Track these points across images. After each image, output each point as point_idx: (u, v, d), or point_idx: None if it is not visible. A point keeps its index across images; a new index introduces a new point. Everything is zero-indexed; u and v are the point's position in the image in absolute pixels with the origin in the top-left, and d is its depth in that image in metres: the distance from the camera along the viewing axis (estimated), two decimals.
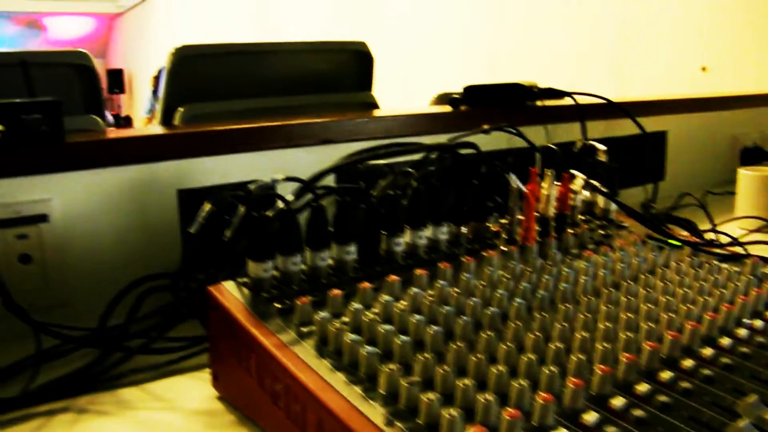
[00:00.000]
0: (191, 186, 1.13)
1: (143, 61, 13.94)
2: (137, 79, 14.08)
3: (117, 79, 14.95)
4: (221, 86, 1.50)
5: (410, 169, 0.91)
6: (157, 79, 8.62)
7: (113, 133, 1.18)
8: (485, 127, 1.07)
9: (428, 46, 5.42)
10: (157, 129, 1.24)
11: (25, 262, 1.04)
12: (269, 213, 0.77)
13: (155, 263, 1.11)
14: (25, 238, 1.03)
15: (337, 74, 1.63)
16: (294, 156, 1.21)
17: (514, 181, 0.93)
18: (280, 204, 0.78)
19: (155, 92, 8.58)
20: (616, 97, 1.68)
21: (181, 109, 1.43)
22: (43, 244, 1.04)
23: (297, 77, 1.58)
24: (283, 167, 1.20)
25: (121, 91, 13.89)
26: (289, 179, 0.82)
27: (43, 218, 1.04)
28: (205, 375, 0.84)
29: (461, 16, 5.03)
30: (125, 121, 11.60)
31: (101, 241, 1.09)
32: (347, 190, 0.84)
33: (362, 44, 1.64)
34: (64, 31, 16.32)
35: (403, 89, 5.25)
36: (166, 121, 1.46)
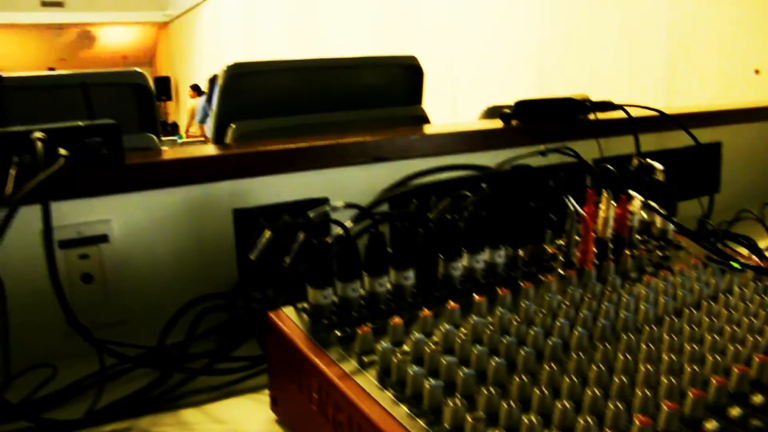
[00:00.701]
0: (246, 205, 1.14)
1: (189, 68, 14.18)
2: (184, 87, 14.31)
3: (164, 86, 15.21)
4: (273, 102, 1.51)
5: (467, 192, 0.91)
6: (211, 82, 8.74)
7: (170, 153, 1.21)
8: (542, 148, 1.06)
9: (475, 57, 5.41)
10: (211, 149, 1.26)
11: (86, 281, 1.06)
12: (328, 239, 0.78)
13: (211, 281, 1.13)
14: (86, 258, 1.06)
15: (387, 88, 1.64)
16: (347, 174, 1.22)
17: (572, 204, 0.92)
18: (339, 230, 0.79)
19: (210, 98, 8.69)
20: (668, 106, 1.66)
21: (233, 126, 1.44)
22: (104, 264, 1.07)
23: (348, 92, 1.59)
24: (336, 185, 1.21)
25: (168, 98, 14.13)
26: (348, 206, 0.82)
27: (103, 238, 1.06)
28: (264, 397, 0.85)
29: (510, 28, 5.00)
30: (172, 128, 11.81)
31: (159, 260, 1.11)
32: (405, 216, 0.84)
33: (412, 58, 1.64)
34: (114, 41, 16.67)
35: (450, 101, 5.25)
36: (219, 137, 1.48)
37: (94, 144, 1.02)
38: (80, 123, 1.05)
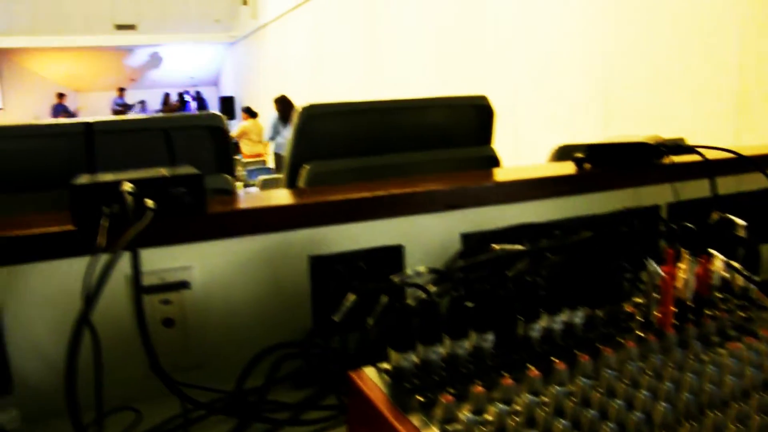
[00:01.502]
0: (322, 252, 1.16)
1: (254, 88, 14.45)
2: (248, 105, 14.57)
3: (229, 105, 15.54)
4: (345, 143, 1.54)
5: (547, 253, 0.91)
6: (278, 103, 8.88)
7: (248, 201, 1.24)
8: (623, 209, 1.05)
9: (539, 91, 5.37)
10: (288, 197, 1.29)
11: (167, 326, 1.10)
12: (411, 303, 0.79)
13: (287, 327, 1.15)
14: (168, 303, 1.09)
15: (457, 129, 1.65)
16: (421, 221, 1.23)
17: (652, 266, 0.91)
18: (422, 294, 0.80)
19: (282, 117, 8.80)
20: (738, 143, 1.62)
21: (306, 167, 1.47)
22: (185, 309, 1.10)
23: (419, 132, 1.60)
24: (410, 232, 1.22)
25: (232, 117, 14.42)
26: (432, 271, 0.83)
27: (185, 285, 1.10)
28: None
29: (573, 60, 4.95)
30: (234, 146, 12.04)
31: (237, 306, 1.13)
32: (485, 279, 0.84)
33: (483, 98, 1.65)
34: (182, 61, 17.11)
35: (512, 136, 5.23)
36: (292, 178, 1.51)
37: (178, 194, 1.05)
38: (165, 173, 1.09)
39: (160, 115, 1.81)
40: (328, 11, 10.23)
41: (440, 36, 6.95)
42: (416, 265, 1.24)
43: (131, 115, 15.49)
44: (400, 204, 1.21)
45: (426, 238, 1.24)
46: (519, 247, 0.95)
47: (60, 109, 15.49)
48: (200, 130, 1.44)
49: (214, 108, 16.84)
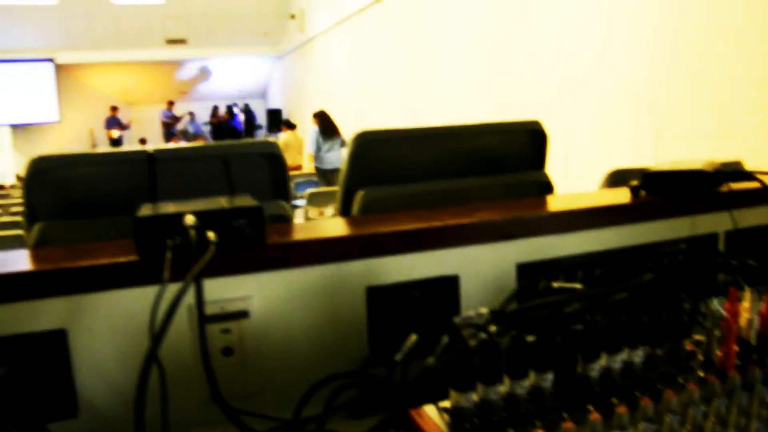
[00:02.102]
0: (378, 283, 1.17)
1: (300, 100, 14.60)
2: (294, 118, 14.73)
3: (276, 118, 15.72)
4: (399, 169, 1.55)
5: (605, 291, 0.91)
6: (317, 117, 8.99)
7: (306, 231, 1.25)
8: (682, 246, 1.04)
9: (588, 110, 5.32)
10: (344, 227, 1.31)
11: (227, 355, 1.12)
12: (472, 343, 0.79)
13: (343, 356, 1.17)
14: (228, 332, 1.11)
15: (511, 154, 1.65)
16: (477, 251, 1.23)
17: (713, 304, 0.90)
18: (482, 334, 0.80)
19: (323, 131, 8.94)
20: None
21: (361, 193, 1.48)
22: (243, 338, 1.12)
23: (472, 158, 1.61)
24: (466, 262, 1.23)
25: (279, 129, 14.58)
26: (493, 313, 0.84)
27: (244, 314, 1.12)
28: None
29: (624, 78, 4.89)
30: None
31: (294, 335, 1.15)
32: (545, 319, 0.85)
33: (537, 123, 1.64)
34: (230, 74, 17.38)
35: (562, 158, 5.19)
36: (346, 203, 1.52)
37: (239, 225, 1.07)
38: (225, 204, 1.11)
39: (219, 143, 1.85)
40: (373, 26, 10.30)
41: (485, 53, 6.95)
42: (472, 294, 1.25)
43: (181, 124, 15.75)
44: (455, 234, 1.22)
45: (481, 267, 1.24)
46: (577, 285, 0.95)
47: (113, 122, 15.85)
48: (257, 158, 1.46)
49: (261, 120, 17.04)
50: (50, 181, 1.38)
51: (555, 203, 1.43)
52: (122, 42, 14.95)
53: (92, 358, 1.08)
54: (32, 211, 1.38)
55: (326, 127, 8.84)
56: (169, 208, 1.10)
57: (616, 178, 1.73)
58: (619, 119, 4.92)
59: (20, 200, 7.92)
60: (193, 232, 1.00)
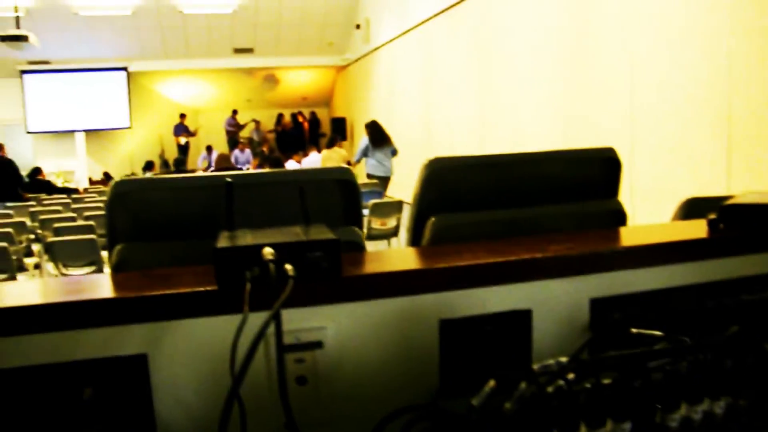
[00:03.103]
0: (451, 316, 1.17)
1: (364, 110, 14.70)
2: (358, 126, 14.84)
3: (340, 126, 15.87)
4: (471, 196, 1.55)
5: (686, 338, 0.89)
6: (369, 128, 9.42)
7: (379, 262, 1.26)
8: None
9: (655, 136, 5.23)
10: (417, 260, 1.31)
11: (300, 384, 1.13)
12: (549, 389, 0.79)
13: (414, 389, 1.17)
14: (302, 362, 1.13)
15: (584, 182, 1.63)
16: (550, 286, 1.22)
17: None
18: (560, 382, 0.79)
19: (373, 141, 9.34)
20: None
21: (432, 219, 1.49)
22: (317, 368, 1.13)
23: (545, 186, 1.59)
24: (539, 296, 1.22)
25: (343, 137, 14.72)
26: (570, 360, 0.83)
27: (318, 345, 1.13)
28: None
29: (690, 101, 4.79)
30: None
31: (366, 366, 1.16)
32: (624, 366, 0.83)
33: (611, 150, 1.62)
34: (295, 82, 17.63)
35: (627, 186, 5.11)
36: (417, 229, 1.53)
37: (315, 258, 1.09)
38: (302, 235, 1.13)
39: (294, 169, 1.89)
40: (439, 36, 10.30)
41: (556, 70, 6.87)
42: (544, 328, 1.24)
43: (246, 132, 16.01)
44: (529, 269, 1.21)
45: (554, 302, 1.23)
46: (657, 333, 0.93)
47: (181, 129, 16.23)
48: (331, 184, 1.48)
49: (326, 128, 17.21)
50: (130, 204, 1.42)
51: (630, 237, 1.41)
52: (191, 51, 15.33)
53: (170, 383, 1.10)
54: (113, 233, 1.42)
55: (376, 136, 9.25)
56: (247, 238, 1.12)
57: (691, 208, 1.69)
58: (691, 144, 4.81)
59: (93, 205, 8.19)
60: (272, 267, 1.01)
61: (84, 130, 15.89)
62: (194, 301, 1.09)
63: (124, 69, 15.61)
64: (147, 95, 16.61)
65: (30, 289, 1.28)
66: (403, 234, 6.94)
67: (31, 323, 1.05)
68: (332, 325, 1.14)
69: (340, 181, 1.48)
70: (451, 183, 1.55)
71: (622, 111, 5.63)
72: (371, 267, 1.21)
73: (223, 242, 1.11)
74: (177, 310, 1.09)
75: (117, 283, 1.21)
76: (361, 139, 9.80)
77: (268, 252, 1.04)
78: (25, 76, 15.44)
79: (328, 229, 1.17)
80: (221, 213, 1.31)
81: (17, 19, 11.52)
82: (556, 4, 6.81)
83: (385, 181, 9.41)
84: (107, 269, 1.42)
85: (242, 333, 0.96)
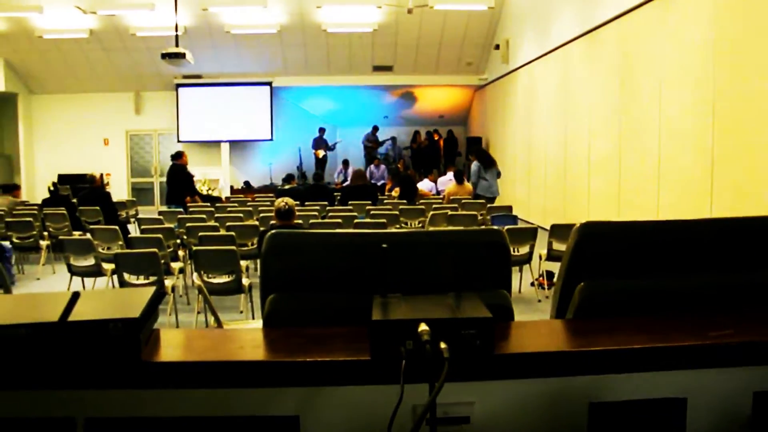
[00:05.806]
0: (602, 399, 1.15)
1: (501, 130, 14.59)
2: (494, 147, 14.74)
3: (476, 145, 15.80)
4: (625, 263, 1.51)
5: None
6: (476, 153, 10.79)
7: (527, 339, 1.26)
8: None
9: None
10: (569, 340, 1.29)
11: None
12: None
13: None
14: None
15: (751, 251, 1.54)
16: (707, 375, 1.18)
17: None
18: None
19: (485, 163, 10.43)
20: None
21: (582, 285, 1.46)
22: None
23: (706, 254, 1.51)
24: (697, 385, 1.18)
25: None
26: None
27: (465, 420, 1.14)
28: None
29: None
30: None
31: None
32: None
33: None
34: (432, 101, 17.73)
35: None
36: (565, 294, 1.50)
37: (469, 336, 1.10)
38: (455, 308, 1.15)
39: (445, 230, 1.91)
40: (578, 60, 10.08)
41: (704, 100, 6.55)
42: (699, 419, 1.19)
43: (383, 148, 16.23)
44: (686, 356, 1.17)
45: (712, 392, 1.18)
46: None
47: (320, 143, 16.69)
48: (480, 246, 1.48)
49: (462, 147, 17.21)
50: (284, 255, 1.47)
51: None
52: (332, 68, 15.77)
53: None
54: (266, 282, 1.48)
55: (484, 159, 10.57)
56: (402, 310, 1.15)
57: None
58: None
59: (234, 215, 8.55)
60: (428, 348, 1.03)
61: (229, 141, 16.64)
62: (348, 370, 1.13)
63: (269, 84, 16.23)
64: (289, 109, 17.20)
65: (201, 345, 1.33)
66: (536, 260, 6.86)
67: (196, 379, 1.13)
68: (480, 401, 1.15)
69: (491, 243, 1.49)
70: (603, 248, 1.52)
71: None
72: (522, 344, 1.21)
73: (377, 314, 1.13)
74: (331, 377, 1.13)
75: (270, 343, 1.27)
76: (473, 164, 10.66)
77: (424, 330, 1.06)
78: (180, 89, 16.39)
79: (480, 302, 1.18)
80: (370, 268, 1.34)
81: (176, 37, 12.23)
82: (706, 27, 6.47)
83: (492, 201, 10.20)
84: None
85: (399, 408, 0.99)
